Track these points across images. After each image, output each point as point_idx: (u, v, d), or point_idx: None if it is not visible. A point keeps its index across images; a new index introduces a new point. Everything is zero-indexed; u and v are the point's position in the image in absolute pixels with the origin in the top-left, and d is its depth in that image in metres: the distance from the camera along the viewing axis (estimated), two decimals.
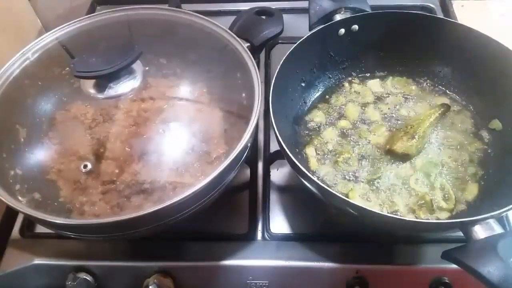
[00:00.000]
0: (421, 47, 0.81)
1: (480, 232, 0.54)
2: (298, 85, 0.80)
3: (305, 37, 0.76)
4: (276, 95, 0.68)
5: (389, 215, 0.56)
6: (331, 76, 0.84)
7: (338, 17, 0.80)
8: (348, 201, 0.57)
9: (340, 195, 0.57)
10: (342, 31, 0.80)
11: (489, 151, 0.73)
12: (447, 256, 0.55)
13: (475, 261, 0.51)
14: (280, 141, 0.63)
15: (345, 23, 0.80)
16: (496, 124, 0.74)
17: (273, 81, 0.69)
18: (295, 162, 0.61)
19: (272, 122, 0.65)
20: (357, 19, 0.80)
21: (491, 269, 0.49)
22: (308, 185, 0.63)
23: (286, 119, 0.75)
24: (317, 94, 0.83)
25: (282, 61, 0.72)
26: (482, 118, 0.77)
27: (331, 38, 0.80)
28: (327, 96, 0.83)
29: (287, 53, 0.73)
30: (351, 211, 0.58)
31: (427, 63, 0.82)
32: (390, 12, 0.81)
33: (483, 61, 0.75)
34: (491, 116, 0.75)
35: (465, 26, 0.76)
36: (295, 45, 0.74)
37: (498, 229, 0.54)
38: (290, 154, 0.61)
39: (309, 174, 0.60)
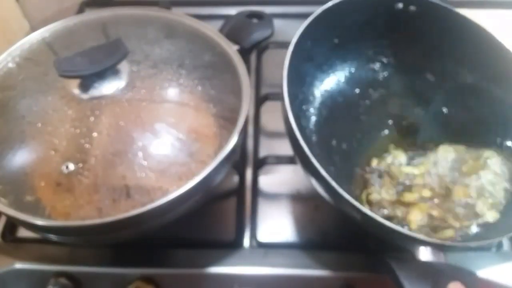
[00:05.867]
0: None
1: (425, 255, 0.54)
2: (331, 43, 0.77)
3: None
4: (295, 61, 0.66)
5: (400, 229, 0.54)
6: (367, 45, 0.81)
7: None
8: (358, 208, 0.54)
9: (350, 199, 0.55)
10: (400, 5, 0.77)
11: None
12: (386, 265, 0.54)
13: (408, 281, 0.51)
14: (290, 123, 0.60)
15: None
16: None
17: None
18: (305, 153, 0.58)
19: (284, 91, 0.62)
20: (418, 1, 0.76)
21: None
22: (315, 183, 0.61)
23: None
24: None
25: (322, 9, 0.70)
26: None
27: (385, 6, 0.77)
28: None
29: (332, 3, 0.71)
30: (357, 216, 0.56)
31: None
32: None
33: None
34: None
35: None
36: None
37: (442, 259, 0.54)
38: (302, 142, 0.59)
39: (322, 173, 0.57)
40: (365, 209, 0.54)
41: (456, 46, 0.77)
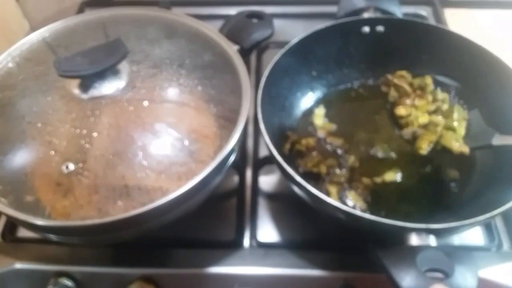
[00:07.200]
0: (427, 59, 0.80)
1: (415, 241, 0.54)
2: (308, 74, 0.80)
3: (326, 25, 0.76)
4: (271, 85, 0.69)
5: (378, 219, 0.55)
6: (346, 73, 0.83)
7: (366, 15, 0.80)
8: (338, 207, 0.56)
9: (330, 201, 0.56)
10: (367, 29, 0.79)
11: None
12: (374, 256, 0.54)
13: (391, 263, 0.51)
14: (269, 144, 0.62)
15: (371, 21, 0.79)
16: None
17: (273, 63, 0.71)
18: (283, 167, 0.60)
19: (260, 120, 0.65)
20: (384, 21, 0.79)
21: (402, 274, 0.50)
22: (297, 190, 0.62)
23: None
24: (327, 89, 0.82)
25: (292, 43, 0.73)
26: None
27: (353, 33, 0.80)
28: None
29: (301, 37, 0.74)
30: (341, 216, 0.57)
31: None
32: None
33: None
34: None
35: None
36: (310, 32, 0.75)
37: (433, 242, 0.54)
38: (279, 158, 0.60)
39: (297, 179, 0.59)
40: (348, 208, 0.56)
41: (432, 53, 0.79)
